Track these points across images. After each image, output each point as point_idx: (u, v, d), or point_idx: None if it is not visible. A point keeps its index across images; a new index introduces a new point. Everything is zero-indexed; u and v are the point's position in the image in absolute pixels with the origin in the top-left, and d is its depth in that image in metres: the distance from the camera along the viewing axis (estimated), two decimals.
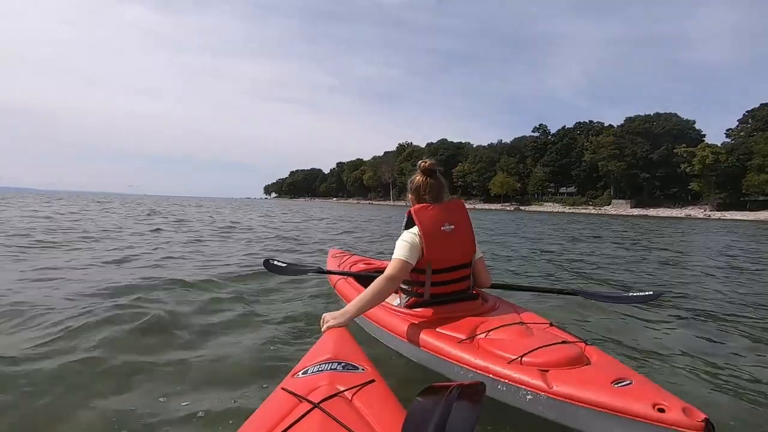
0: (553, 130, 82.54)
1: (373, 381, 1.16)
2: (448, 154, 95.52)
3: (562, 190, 79.19)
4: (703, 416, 1.05)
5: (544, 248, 9.92)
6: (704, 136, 65.52)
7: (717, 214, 52.16)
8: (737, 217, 47.91)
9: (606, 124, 77.32)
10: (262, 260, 3.24)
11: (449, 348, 1.65)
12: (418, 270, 1.94)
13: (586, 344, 1.59)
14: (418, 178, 2.11)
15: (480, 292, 2.22)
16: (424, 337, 1.77)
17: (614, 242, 12.34)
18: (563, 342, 1.55)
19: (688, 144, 60.77)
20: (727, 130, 64.60)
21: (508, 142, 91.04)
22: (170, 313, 3.01)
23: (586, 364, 1.43)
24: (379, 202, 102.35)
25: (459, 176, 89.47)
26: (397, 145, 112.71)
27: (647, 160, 64.95)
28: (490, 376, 1.46)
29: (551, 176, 78.44)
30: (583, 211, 64.98)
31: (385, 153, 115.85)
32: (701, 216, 52.09)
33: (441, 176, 2.14)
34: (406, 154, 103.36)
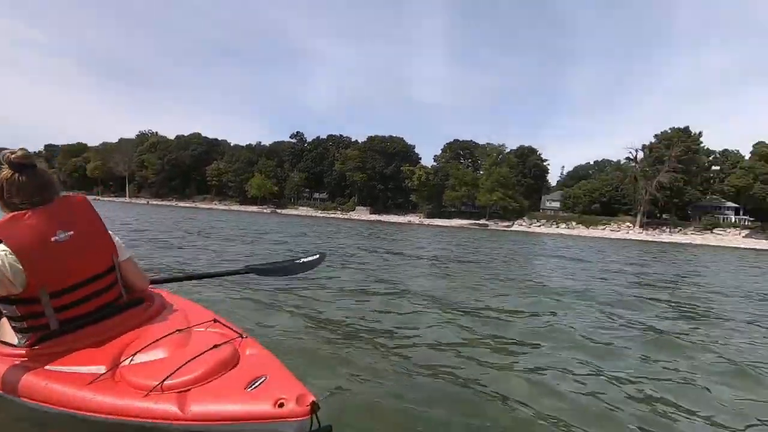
0: (309, 139, 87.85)
1: None
2: (201, 149, 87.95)
3: (316, 195, 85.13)
4: (310, 399, 1.11)
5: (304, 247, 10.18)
6: (420, 158, 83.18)
7: (427, 221, 67.05)
8: (440, 223, 62.83)
9: (353, 140, 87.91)
10: None
11: (75, 392, 1.32)
12: (27, 300, 1.49)
13: (243, 338, 1.53)
14: (2, 174, 1.55)
15: (142, 296, 1.89)
16: (43, 383, 1.37)
17: (357, 239, 13.92)
18: (215, 346, 1.41)
19: (410, 164, 75.89)
20: (435, 156, 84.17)
21: (267, 144, 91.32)
22: None
23: (233, 368, 1.36)
24: (111, 198, 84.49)
25: (214, 175, 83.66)
26: (137, 133, 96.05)
27: (383, 174, 77.29)
28: (124, 419, 1.25)
29: (306, 182, 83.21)
30: (333, 215, 71.60)
31: (121, 140, 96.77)
32: (417, 222, 65.83)
33: (45, 172, 1.64)
34: (149, 144, 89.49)
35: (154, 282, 2.09)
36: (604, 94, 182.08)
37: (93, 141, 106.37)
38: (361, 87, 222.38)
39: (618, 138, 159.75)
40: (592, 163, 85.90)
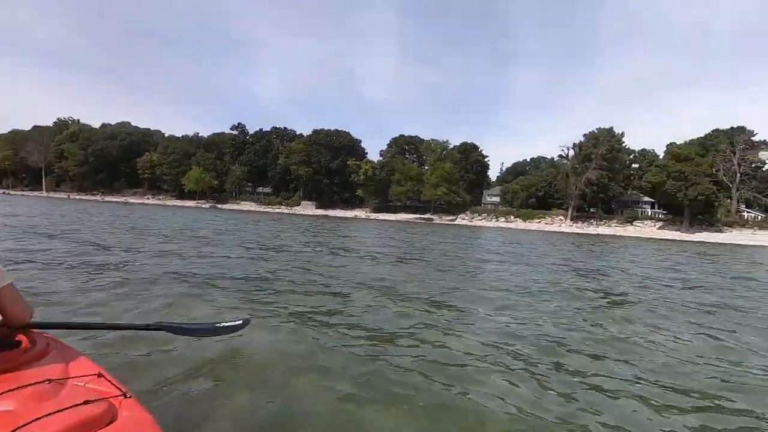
0: (251, 131, 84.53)
1: None
2: (131, 140, 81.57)
3: (260, 189, 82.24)
4: None
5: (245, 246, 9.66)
6: (367, 153, 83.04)
7: (373, 216, 67.25)
8: (386, 218, 63.26)
9: (298, 133, 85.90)
10: None
11: None
12: None
13: (126, 397, 1.43)
14: None
15: (22, 338, 1.64)
16: None
17: (304, 235, 13.52)
18: (86, 402, 1.30)
19: (356, 158, 75.56)
20: (381, 151, 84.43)
21: (205, 136, 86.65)
22: None
23: (102, 428, 1.27)
24: (23, 192, 76.08)
25: (146, 167, 78.01)
26: (55, 120, 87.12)
27: (329, 168, 76.26)
28: None
29: (249, 175, 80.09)
30: (278, 210, 69.66)
31: (35, 128, 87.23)
32: (364, 216, 65.83)
33: None
34: (69, 133, 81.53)
35: (39, 326, 1.86)
36: (542, 95, 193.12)
37: (1, 128, 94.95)
38: (307, 79, 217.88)
39: (553, 136, 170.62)
40: (528, 160, 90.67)
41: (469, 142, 76.18)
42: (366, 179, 71.35)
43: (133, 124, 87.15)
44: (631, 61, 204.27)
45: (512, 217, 63.43)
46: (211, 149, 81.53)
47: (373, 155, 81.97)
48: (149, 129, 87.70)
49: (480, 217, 65.77)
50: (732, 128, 60.38)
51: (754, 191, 56.71)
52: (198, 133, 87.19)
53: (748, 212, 56.56)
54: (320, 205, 76.15)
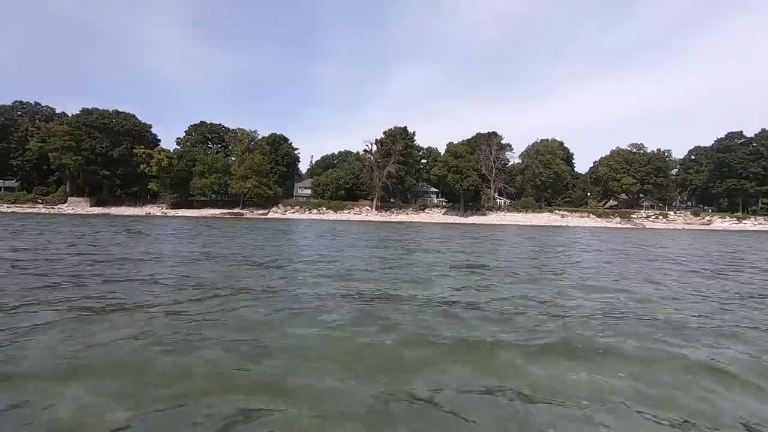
0: None
1: None
2: None
3: (0, 183, 61.90)
4: None
5: None
6: (160, 140, 71.84)
7: (172, 212, 58.80)
8: (188, 214, 56.15)
9: (59, 111, 67.89)
10: None
11: None
12: None
13: None
14: None
15: None
16: None
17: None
18: None
19: (146, 146, 64.44)
20: (178, 138, 74.37)
21: None
22: None
23: None
24: None
25: None
26: None
27: (107, 157, 62.90)
28: None
29: None
30: (32, 210, 53.70)
31: None
32: (160, 213, 56.83)
33: None
34: None
35: None
36: (349, 92, 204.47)
37: None
38: (67, 43, 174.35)
39: (359, 131, 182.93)
40: (336, 153, 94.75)
41: (278, 133, 74.44)
42: (160, 170, 61.50)
43: None
44: (420, 69, 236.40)
45: (324, 209, 65.18)
46: None
47: (169, 143, 71.51)
48: None
49: (293, 210, 65.27)
50: (489, 133, 76.12)
51: (504, 182, 73.47)
52: None
53: (500, 199, 72.80)
54: (98, 202, 62.23)
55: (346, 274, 8.71)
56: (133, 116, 68.22)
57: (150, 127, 70.74)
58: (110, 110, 66.29)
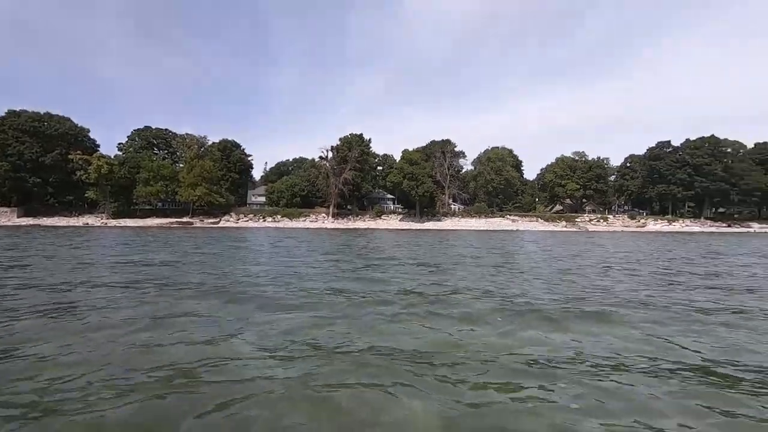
0: None
1: None
2: None
3: None
4: None
5: None
6: (99, 146, 67.29)
7: (113, 222, 55.01)
8: (131, 224, 52.74)
9: None
10: None
11: None
12: None
13: None
14: None
15: None
16: None
17: None
18: None
19: (83, 151, 60.04)
20: (119, 144, 70.02)
21: None
22: None
23: None
24: None
25: None
26: None
27: (38, 163, 57.97)
28: None
29: None
30: None
31: None
32: (99, 224, 52.96)
33: None
34: None
35: None
36: (303, 99, 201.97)
37: None
38: None
39: (314, 138, 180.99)
40: (291, 160, 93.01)
41: (230, 139, 72.12)
42: (99, 177, 57.44)
43: None
44: (375, 78, 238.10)
45: (279, 217, 63.63)
46: None
47: (110, 149, 67.10)
48: None
49: (246, 218, 63.17)
50: (443, 140, 77.89)
51: (458, 189, 75.34)
52: None
53: (454, 205, 74.53)
54: (27, 212, 57.06)
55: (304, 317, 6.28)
56: (68, 119, 63.52)
57: (87, 131, 66.19)
58: (41, 113, 61.31)
